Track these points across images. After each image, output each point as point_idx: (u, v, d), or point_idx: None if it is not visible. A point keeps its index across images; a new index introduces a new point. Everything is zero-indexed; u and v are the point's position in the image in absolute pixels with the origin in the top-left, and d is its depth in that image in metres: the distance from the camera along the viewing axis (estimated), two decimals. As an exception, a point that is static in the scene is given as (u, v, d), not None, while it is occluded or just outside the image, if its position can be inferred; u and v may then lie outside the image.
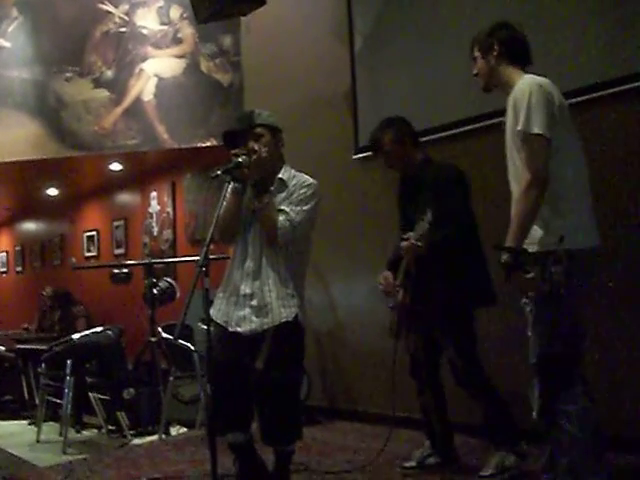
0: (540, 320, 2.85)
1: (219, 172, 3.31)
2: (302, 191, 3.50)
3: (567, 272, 2.74)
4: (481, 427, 3.84)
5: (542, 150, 2.81)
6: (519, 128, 2.83)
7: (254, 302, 3.43)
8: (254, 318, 3.42)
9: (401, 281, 3.78)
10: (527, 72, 3.05)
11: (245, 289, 3.46)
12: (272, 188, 3.49)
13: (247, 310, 3.44)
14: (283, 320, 3.40)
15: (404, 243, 3.65)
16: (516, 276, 2.76)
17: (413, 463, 3.94)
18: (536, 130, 2.79)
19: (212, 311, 3.52)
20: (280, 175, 3.54)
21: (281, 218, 3.39)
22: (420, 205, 3.65)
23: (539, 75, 2.96)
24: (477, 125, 4.66)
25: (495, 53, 3.11)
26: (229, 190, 3.38)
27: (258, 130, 3.50)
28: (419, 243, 3.53)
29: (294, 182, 3.53)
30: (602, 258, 2.98)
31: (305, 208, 3.47)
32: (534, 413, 2.99)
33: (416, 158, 3.97)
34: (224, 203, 3.36)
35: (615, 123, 4.09)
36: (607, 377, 3.98)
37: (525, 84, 2.90)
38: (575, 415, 2.79)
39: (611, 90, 4.08)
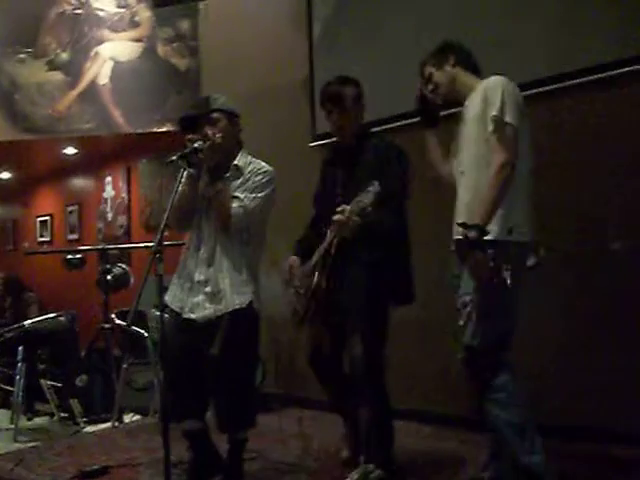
0: (486, 309, 2.91)
1: (174, 158, 3.28)
2: (257, 178, 3.48)
3: (514, 264, 2.87)
4: (364, 434, 3.54)
5: (513, 138, 2.93)
6: (495, 113, 2.94)
7: (208, 288, 3.42)
8: (208, 304, 3.41)
9: (317, 262, 3.52)
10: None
11: (199, 276, 3.45)
12: (227, 174, 3.46)
13: (201, 297, 3.43)
14: (237, 307, 3.39)
15: (338, 216, 3.26)
16: (475, 256, 2.81)
17: (347, 453, 3.82)
18: (508, 119, 2.93)
19: (167, 297, 3.51)
20: (236, 162, 3.51)
21: (234, 205, 3.37)
22: (355, 179, 3.48)
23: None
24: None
25: (451, 62, 3.24)
26: (184, 176, 3.35)
27: (215, 115, 3.47)
28: (356, 218, 3.20)
29: (250, 169, 3.51)
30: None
31: (260, 195, 3.45)
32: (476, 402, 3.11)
33: (360, 129, 3.71)
34: (179, 189, 3.33)
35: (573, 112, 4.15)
36: (554, 367, 4.05)
37: (497, 79, 3.06)
38: (506, 401, 2.92)
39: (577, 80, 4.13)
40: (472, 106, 3.10)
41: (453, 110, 3.37)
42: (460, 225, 2.89)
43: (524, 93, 3.15)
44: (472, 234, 2.81)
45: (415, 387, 4.59)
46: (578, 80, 4.09)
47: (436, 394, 4.61)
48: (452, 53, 3.25)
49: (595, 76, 4.02)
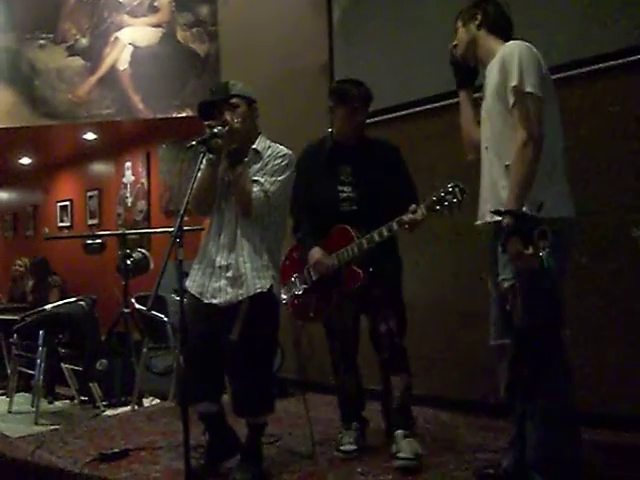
0: (530, 294, 2.76)
1: (194, 143, 3.29)
2: (277, 162, 3.48)
3: (553, 244, 2.64)
4: (393, 409, 3.66)
5: (537, 108, 2.75)
6: (514, 84, 2.76)
7: (229, 273, 3.42)
8: (229, 289, 3.42)
9: (355, 257, 3.58)
10: None
11: (221, 261, 3.46)
12: (246, 159, 3.46)
13: (223, 281, 3.44)
14: (258, 291, 3.40)
15: (413, 216, 3.35)
16: (513, 244, 2.65)
17: (354, 446, 3.75)
18: (529, 89, 2.75)
19: (187, 282, 3.53)
20: (255, 146, 3.51)
21: (255, 189, 3.38)
22: (367, 177, 3.64)
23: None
24: (452, 101, 4.66)
25: (477, 22, 3.08)
26: (204, 161, 3.36)
27: (233, 101, 3.47)
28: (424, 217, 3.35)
29: (269, 153, 3.51)
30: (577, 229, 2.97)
31: (280, 178, 3.45)
32: (501, 390, 3.03)
33: (363, 129, 3.79)
34: (199, 174, 3.34)
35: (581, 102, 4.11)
36: (584, 354, 4.02)
37: (514, 45, 2.87)
38: (553, 389, 2.80)
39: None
40: (491, 76, 2.94)
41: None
42: (494, 213, 2.76)
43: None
44: (506, 221, 2.66)
45: (433, 373, 4.59)
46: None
47: (453, 380, 4.60)
48: (481, 11, 3.07)
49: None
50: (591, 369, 3.94)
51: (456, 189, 3.23)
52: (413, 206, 3.35)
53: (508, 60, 2.81)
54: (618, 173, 4.01)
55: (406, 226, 3.39)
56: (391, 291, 3.67)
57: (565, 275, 2.88)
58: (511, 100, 2.79)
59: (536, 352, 2.81)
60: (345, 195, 3.67)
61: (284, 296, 3.81)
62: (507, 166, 2.81)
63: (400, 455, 3.43)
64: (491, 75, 2.95)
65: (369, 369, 3.87)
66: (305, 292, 3.81)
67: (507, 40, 2.99)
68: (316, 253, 3.70)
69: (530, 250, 2.61)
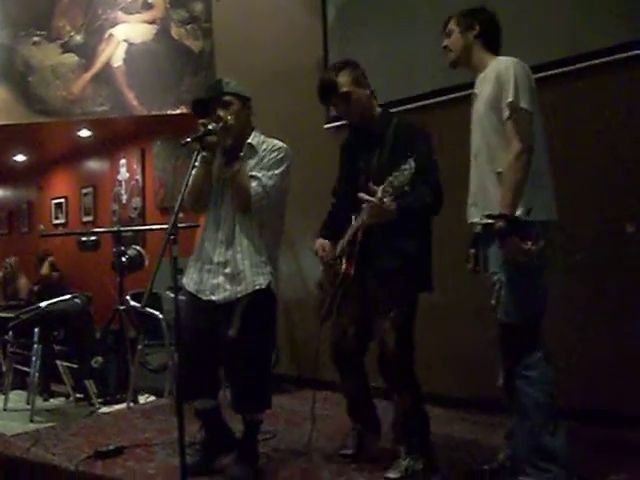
0: (516, 289, 2.95)
1: (188, 140, 3.29)
2: (273, 155, 3.49)
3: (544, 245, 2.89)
4: (401, 424, 3.41)
5: (529, 123, 2.94)
6: (510, 100, 2.93)
7: (227, 270, 3.43)
8: (228, 286, 3.43)
9: (343, 251, 3.43)
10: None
11: (218, 257, 3.47)
12: (242, 154, 3.47)
13: (221, 278, 3.45)
14: (256, 288, 3.41)
15: (371, 200, 3.08)
16: (509, 243, 2.83)
17: (352, 450, 3.68)
18: (523, 105, 2.93)
19: (184, 279, 3.54)
20: (249, 140, 3.52)
21: (254, 184, 3.39)
22: (380, 161, 3.36)
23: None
24: (446, 97, 4.69)
25: (475, 32, 3.19)
26: (198, 158, 3.36)
27: (227, 98, 3.48)
28: (390, 201, 3.03)
29: (264, 147, 3.52)
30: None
31: (277, 172, 3.46)
32: (500, 380, 3.15)
33: (375, 108, 3.51)
34: (193, 172, 3.35)
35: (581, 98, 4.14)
36: (570, 348, 4.04)
37: (508, 62, 3.03)
38: (537, 379, 2.95)
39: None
40: (483, 87, 3.09)
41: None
42: (488, 217, 2.92)
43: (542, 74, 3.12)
44: (499, 224, 2.84)
45: (427, 370, 4.59)
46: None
47: (448, 377, 4.61)
48: (480, 23, 3.20)
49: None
50: (577, 362, 3.97)
51: (406, 166, 2.93)
52: (372, 188, 3.08)
53: (504, 76, 2.97)
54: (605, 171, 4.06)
55: (365, 215, 3.18)
56: (390, 297, 3.33)
57: (544, 273, 3.01)
58: (506, 113, 2.95)
59: (518, 345, 2.99)
60: (363, 183, 3.33)
61: None
62: (499, 173, 2.97)
63: (385, 474, 3.33)
64: (484, 86, 3.09)
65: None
66: (319, 289, 3.68)
67: (497, 50, 3.20)
68: (316, 244, 3.65)
69: (529, 245, 2.80)
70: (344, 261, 3.40)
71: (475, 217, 3.12)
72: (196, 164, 3.38)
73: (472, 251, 3.24)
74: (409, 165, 2.93)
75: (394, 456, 3.40)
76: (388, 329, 3.28)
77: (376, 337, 3.39)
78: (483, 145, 3.08)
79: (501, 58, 3.09)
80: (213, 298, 3.45)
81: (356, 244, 3.36)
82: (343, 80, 3.42)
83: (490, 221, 2.90)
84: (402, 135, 3.37)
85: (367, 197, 3.11)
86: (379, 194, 3.05)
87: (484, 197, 3.04)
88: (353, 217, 3.39)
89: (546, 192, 3.03)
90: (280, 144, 3.55)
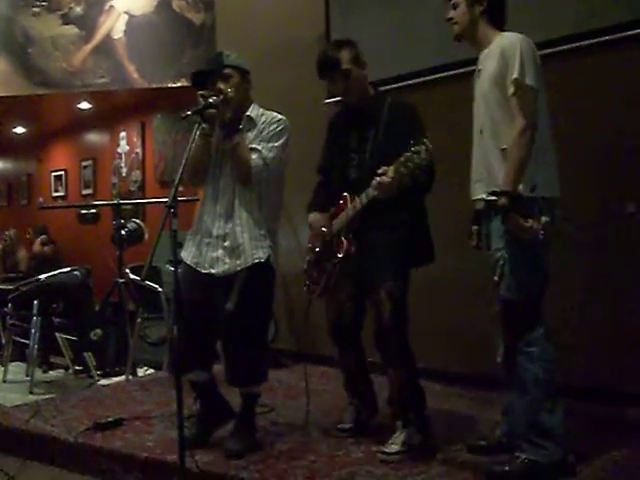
0: (518, 265, 2.96)
1: (189, 113, 3.29)
2: (272, 127, 3.49)
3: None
4: (397, 398, 3.44)
5: (534, 100, 2.93)
6: (515, 76, 2.91)
7: (227, 243, 3.44)
8: (227, 259, 3.44)
9: (342, 228, 3.46)
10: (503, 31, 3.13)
11: (217, 230, 3.47)
12: (241, 126, 3.46)
13: (220, 251, 3.45)
14: (256, 261, 3.42)
15: (382, 178, 3.14)
16: (512, 219, 2.83)
17: (350, 424, 3.68)
18: (529, 81, 2.91)
19: (182, 253, 3.54)
20: (248, 113, 3.52)
21: (254, 156, 3.38)
22: (375, 139, 3.40)
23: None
24: (449, 73, 4.65)
25: (481, 8, 3.13)
26: (198, 131, 3.35)
27: (227, 71, 3.47)
28: (405, 178, 3.08)
29: (263, 119, 3.52)
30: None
31: (277, 144, 3.46)
32: (498, 357, 3.15)
33: (368, 88, 3.56)
34: (193, 145, 3.33)
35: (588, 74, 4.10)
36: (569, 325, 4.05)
37: (513, 38, 3.01)
38: (537, 356, 2.97)
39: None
40: (488, 64, 3.06)
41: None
42: (491, 194, 2.92)
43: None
44: (502, 201, 2.84)
45: (423, 345, 4.60)
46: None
47: (444, 352, 4.62)
48: None
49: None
50: (578, 340, 3.98)
51: (422, 147, 3.01)
52: (383, 168, 3.14)
53: (509, 52, 2.95)
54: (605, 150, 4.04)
55: (375, 191, 3.22)
56: (384, 269, 3.36)
57: (549, 249, 3.02)
58: (510, 90, 2.94)
59: (520, 321, 3.01)
60: (353, 162, 3.50)
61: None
62: (503, 149, 2.96)
63: (382, 448, 3.35)
64: (488, 62, 3.06)
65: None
66: (310, 265, 3.67)
67: (501, 26, 3.15)
68: (311, 218, 3.65)
69: (530, 223, 2.80)
70: (344, 238, 3.43)
71: (479, 194, 3.10)
72: (196, 137, 3.35)
73: (475, 227, 3.24)
74: (424, 147, 3.00)
75: (391, 431, 3.42)
76: (384, 300, 3.32)
77: (372, 309, 3.44)
78: (487, 121, 3.07)
79: (506, 34, 3.06)
80: (212, 271, 3.45)
81: (356, 221, 3.39)
82: (344, 57, 3.45)
83: (493, 198, 2.90)
84: (396, 115, 3.42)
85: (380, 177, 3.14)
86: (390, 173, 3.10)
87: (488, 174, 3.03)
88: (347, 194, 3.43)
89: (550, 169, 3.01)
90: (279, 116, 3.55)
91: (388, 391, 3.50)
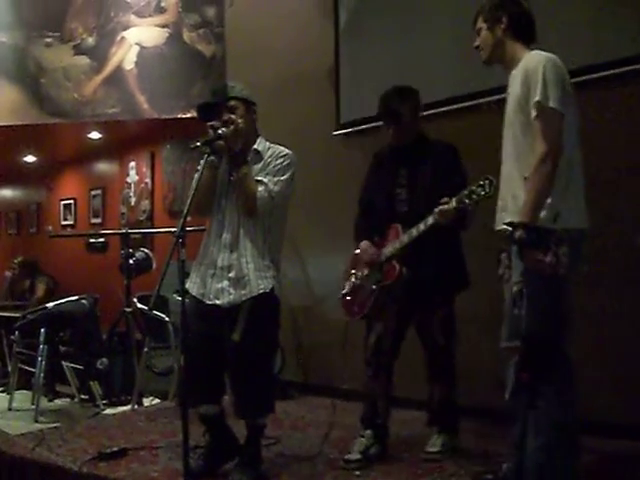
0: (536, 301, 2.76)
1: (199, 143, 3.31)
2: (279, 161, 3.51)
3: (568, 253, 2.71)
4: (427, 407, 3.90)
5: (558, 124, 2.78)
6: (537, 99, 2.76)
7: (232, 274, 3.44)
8: (232, 290, 3.44)
9: (394, 254, 3.65)
10: (532, 49, 3.00)
11: (222, 261, 3.47)
12: (248, 159, 3.48)
13: (225, 282, 3.45)
14: (260, 291, 3.42)
15: (445, 207, 3.35)
16: (529, 253, 2.69)
17: (358, 456, 3.63)
18: (552, 104, 2.76)
19: (188, 284, 3.53)
20: (255, 146, 3.54)
21: (260, 189, 3.40)
22: (421, 177, 3.69)
23: (544, 51, 2.92)
24: (459, 105, 4.65)
25: (503, 26, 3.03)
26: (205, 162, 3.37)
27: (232, 103, 3.51)
28: (469, 208, 3.34)
29: (270, 153, 3.55)
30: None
31: (282, 178, 3.48)
32: (507, 393, 3.01)
33: (415, 133, 3.83)
34: (200, 176, 3.36)
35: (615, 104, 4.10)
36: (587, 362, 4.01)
37: (538, 58, 2.87)
38: (555, 396, 2.79)
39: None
40: (514, 86, 2.94)
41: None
42: (507, 225, 2.78)
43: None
44: (518, 234, 2.69)
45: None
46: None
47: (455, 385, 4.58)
48: (506, 14, 3.02)
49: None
50: (591, 375, 3.94)
51: (486, 182, 3.19)
52: (446, 199, 3.37)
53: (532, 74, 2.82)
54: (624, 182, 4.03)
55: (437, 217, 3.40)
56: (436, 294, 3.69)
57: (570, 284, 2.88)
58: (533, 113, 2.79)
59: (541, 358, 2.80)
60: (400, 197, 3.76)
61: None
62: (526, 178, 2.82)
63: (425, 449, 3.73)
64: (514, 85, 2.95)
65: (406, 378, 3.95)
66: (354, 289, 3.85)
67: (531, 41, 3.04)
68: (362, 246, 3.82)
69: (549, 257, 2.66)
70: (395, 263, 3.64)
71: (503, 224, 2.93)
72: (202, 168, 3.38)
73: (503, 255, 3.05)
74: (488, 182, 3.18)
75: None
76: (437, 326, 3.71)
77: (423, 334, 3.80)
78: (512, 147, 2.95)
79: (533, 53, 2.93)
80: (217, 302, 3.45)
81: (409, 248, 3.60)
82: (406, 111, 3.72)
83: (509, 229, 2.75)
84: (440, 155, 3.74)
85: (444, 206, 3.36)
86: (453, 203, 3.32)
87: (514, 204, 2.88)
88: (399, 226, 3.68)
89: (576, 197, 2.86)
90: (286, 151, 3.57)
91: (428, 399, 3.88)
